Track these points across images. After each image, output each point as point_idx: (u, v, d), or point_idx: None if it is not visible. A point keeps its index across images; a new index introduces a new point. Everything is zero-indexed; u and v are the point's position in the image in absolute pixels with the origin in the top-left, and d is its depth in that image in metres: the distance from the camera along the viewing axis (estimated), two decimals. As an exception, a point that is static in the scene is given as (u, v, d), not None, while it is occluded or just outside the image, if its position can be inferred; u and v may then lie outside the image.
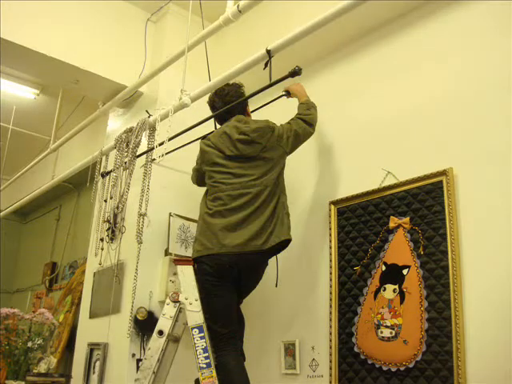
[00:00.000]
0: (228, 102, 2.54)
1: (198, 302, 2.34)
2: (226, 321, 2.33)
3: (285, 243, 2.40)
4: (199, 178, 2.70)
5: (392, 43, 2.66)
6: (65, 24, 3.22)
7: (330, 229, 2.65)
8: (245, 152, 2.43)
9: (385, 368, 2.23)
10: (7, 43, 2.98)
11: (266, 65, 2.32)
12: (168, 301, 2.45)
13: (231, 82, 2.58)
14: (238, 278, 2.35)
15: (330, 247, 2.62)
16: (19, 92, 4.53)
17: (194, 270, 2.38)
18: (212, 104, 2.63)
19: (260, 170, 2.41)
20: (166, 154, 2.52)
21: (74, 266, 4.91)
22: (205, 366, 2.24)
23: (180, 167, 3.18)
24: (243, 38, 3.27)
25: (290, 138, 2.49)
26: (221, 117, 2.61)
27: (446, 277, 2.13)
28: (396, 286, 2.29)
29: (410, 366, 2.15)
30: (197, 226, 2.49)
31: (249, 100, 2.56)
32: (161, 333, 2.39)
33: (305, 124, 2.56)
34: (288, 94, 2.73)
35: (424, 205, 2.29)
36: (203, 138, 2.64)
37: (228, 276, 2.32)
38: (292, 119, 2.59)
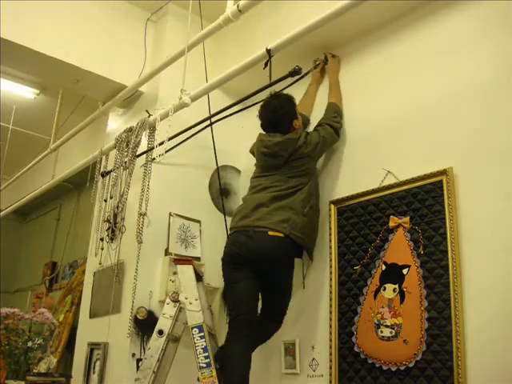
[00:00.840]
0: (274, 117, 2.61)
1: (198, 302, 2.34)
2: (237, 304, 2.39)
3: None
4: None
5: (392, 44, 2.66)
6: (65, 24, 3.21)
7: (330, 228, 2.65)
8: (269, 163, 2.59)
9: (385, 367, 2.23)
10: (7, 43, 2.98)
11: (265, 64, 2.32)
12: (168, 300, 2.46)
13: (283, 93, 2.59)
14: (256, 265, 2.42)
15: (330, 247, 2.62)
16: (19, 92, 4.53)
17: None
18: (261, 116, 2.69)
19: (287, 176, 2.54)
20: (166, 152, 2.51)
21: (73, 266, 4.91)
22: (205, 365, 2.24)
23: (180, 167, 3.18)
24: (243, 38, 3.27)
25: (318, 145, 2.59)
26: (263, 126, 2.69)
27: (445, 276, 2.13)
28: (396, 286, 2.29)
29: (410, 365, 2.14)
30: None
31: (247, 101, 2.55)
32: (161, 332, 2.39)
33: (332, 131, 2.66)
34: (325, 62, 2.89)
35: (424, 204, 2.29)
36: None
37: (240, 262, 2.42)
38: (320, 125, 2.67)
